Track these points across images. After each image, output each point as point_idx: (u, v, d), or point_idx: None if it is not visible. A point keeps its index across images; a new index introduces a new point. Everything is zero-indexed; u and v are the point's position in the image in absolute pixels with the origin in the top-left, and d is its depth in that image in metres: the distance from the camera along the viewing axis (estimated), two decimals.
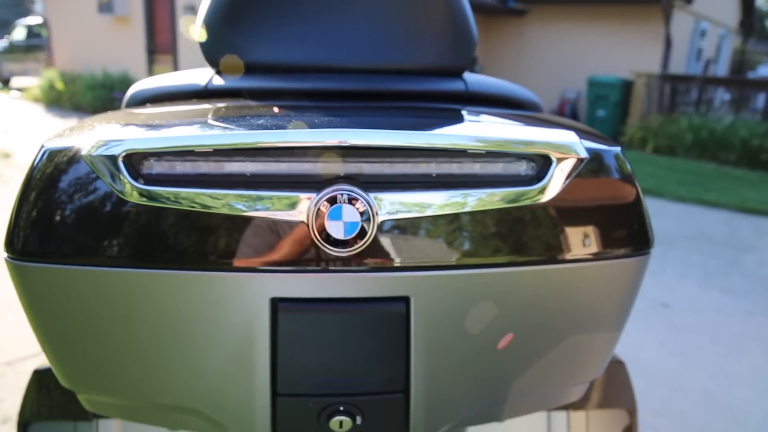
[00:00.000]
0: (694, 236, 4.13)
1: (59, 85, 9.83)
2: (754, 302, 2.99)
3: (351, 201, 0.50)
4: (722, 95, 8.63)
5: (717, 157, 7.18)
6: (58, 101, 9.81)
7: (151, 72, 9.81)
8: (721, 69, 12.54)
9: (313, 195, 0.50)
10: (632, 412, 0.80)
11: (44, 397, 0.75)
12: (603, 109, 8.26)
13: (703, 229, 4.34)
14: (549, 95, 9.37)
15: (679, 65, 9.52)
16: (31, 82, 12.20)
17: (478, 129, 0.58)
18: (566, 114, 9.10)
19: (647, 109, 8.36)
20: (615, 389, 0.81)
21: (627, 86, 8.34)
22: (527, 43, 9.79)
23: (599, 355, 0.63)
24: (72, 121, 8.10)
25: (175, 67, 9.45)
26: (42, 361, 0.75)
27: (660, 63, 8.63)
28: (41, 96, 10.16)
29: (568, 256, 0.55)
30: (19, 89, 12.14)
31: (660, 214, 4.68)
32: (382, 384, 0.55)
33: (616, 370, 0.83)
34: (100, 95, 9.08)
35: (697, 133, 7.34)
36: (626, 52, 8.81)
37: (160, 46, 9.81)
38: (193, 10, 8.85)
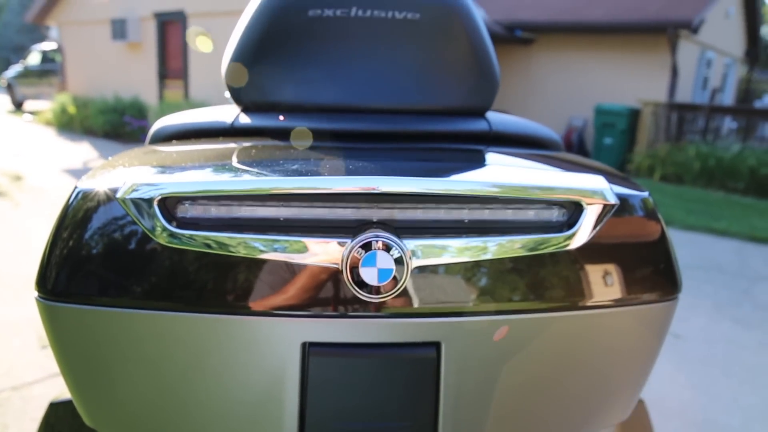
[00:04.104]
0: (704, 266, 4.09)
1: (71, 109, 9.98)
2: (767, 333, 2.95)
3: (385, 247, 0.50)
4: (729, 124, 8.64)
5: (725, 186, 7.15)
6: (70, 125, 9.94)
7: (161, 97, 9.94)
8: (727, 98, 12.59)
9: (347, 241, 0.50)
10: None
11: None
12: (610, 137, 8.28)
13: (713, 259, 4.30)
14: (556, 123, 9.41)
15: (685, 94, 9.56)
16: (44, 105, 12.39)
17: (509, 175, 0.58)
18: (573, 141, 9.12)
19: (654, 137, 8.37)
20: (635, 428, 0.80)
21: (634, 114, 8.37)
22: (534, 71, 9.87)
23: (626, 400, 0.62)
24: (83, 145, 8.20)
25: (186, 92, 9.58)
26: (56, 392, 0.74)
27: (667, 91, 8.67)
28: (53, 119, 10.30)
29: (598, 302, 0.55)
30: (31, 113, 12.32)
31: None
32: (410, 428, 0.55)
33: (637, 409, 0.82)
34: (111, 119, 9.20)
35: (704, 161, 7.33)
36: (633, 81, 8.87)
37: (172, 71, 9.97)
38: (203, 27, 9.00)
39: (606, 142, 8.31)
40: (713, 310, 3.23)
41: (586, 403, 0.58)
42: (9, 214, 4.35)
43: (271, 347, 0.52)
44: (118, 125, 9.12)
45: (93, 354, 0.53)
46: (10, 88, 13.55)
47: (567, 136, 9.22)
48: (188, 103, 8.64)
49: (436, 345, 0.53)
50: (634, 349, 0.59)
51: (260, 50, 0.74)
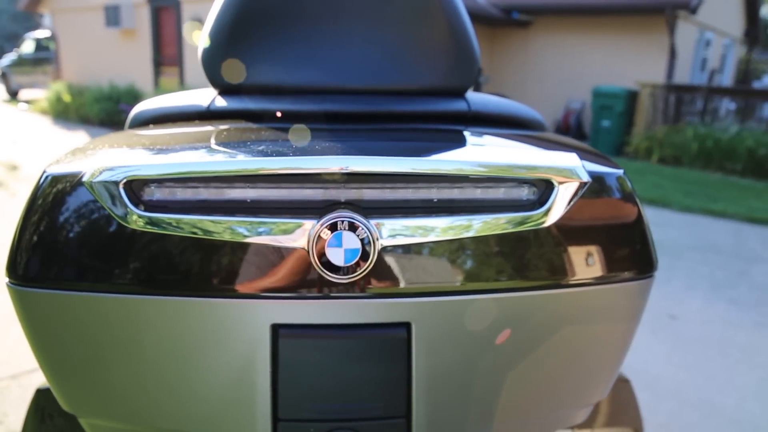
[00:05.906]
0: (701, 247, 4.11)
1: (66, 98, 9.92)
2: (763, 314, 2.96)
3: (351, 228, 0.49)
4: (727, 105, 8.61)
5: (723, 167, 7.15)
6: (65, 113, 9.90)
7: (157, 84, 9.89)
8: (726, 79, 12.53)
9: (313, 222, 0.50)
10: (638, 431, 0.79)
11: (47, 419, 0.74)
12: (608, 120, 8.25)
13: (710, 240, 4.31)
14: (554, 106, 9.38)
15: (683, 75, 9.52)
16: (39, 94, 12.33)
17: (479, 154, 0.57)
18: (571, 124, 9.09)
19: (652, 119, 8.35)
20: (621, 408, 0.80)
21: (632, 96, 8.33)
22: (532, 53, 9.81)
23: (603, 379, 0.62)
24: (79, 133, 8.18)
25: (181, 79, 9.52)
26: (44, 379, 0.75)
27: (665, 73, 8.62)
28: (49, 108, 10.25)
29: (571, 281, 0.55)
30: (27, 101, 12.25)
31: (666, 224, 4.66)
32: (384, 409, 0.54)
33: (622, 389, 0.82)
34: (106, 107, 9.16)
35: (702, 143, 7.32)
36: (631, 63, 8.82)
37: (167, 58, 9.90)
38: (198, 20, 8.93)
39: (604, 124, 8.28)
40: (710, 290, 3.25)
41: (561, 383, 0.58)
42: (6, 203, 4.35)
43: (241, 329, 0.52)
44: (113, 113, 9.06)
45: (62, 339, 0.53)
46: (4, 77, 13.47)
47: (565, 118, 9.19)
48: (184, 89, 8.57)
49: (407, 325, 0.53)
50: (609, 329, 0.59)
51: (234, 32, 0.73)
